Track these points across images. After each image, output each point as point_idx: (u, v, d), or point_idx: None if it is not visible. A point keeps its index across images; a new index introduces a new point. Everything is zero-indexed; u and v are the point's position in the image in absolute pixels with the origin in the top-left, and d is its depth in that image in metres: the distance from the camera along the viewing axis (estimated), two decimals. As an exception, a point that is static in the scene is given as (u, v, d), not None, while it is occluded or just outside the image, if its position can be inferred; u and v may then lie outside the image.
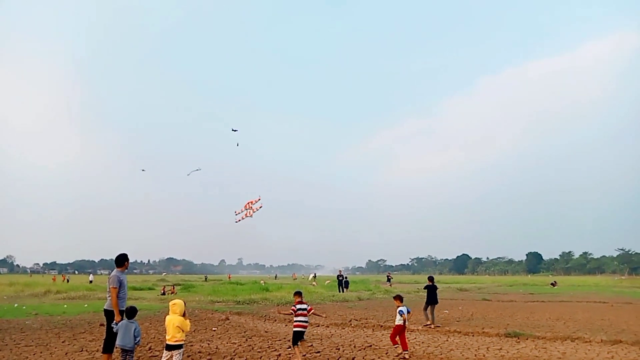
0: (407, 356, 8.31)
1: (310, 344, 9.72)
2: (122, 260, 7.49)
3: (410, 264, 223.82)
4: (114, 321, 7.03)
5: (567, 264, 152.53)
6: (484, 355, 8.44)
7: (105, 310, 7.30)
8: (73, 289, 28.74)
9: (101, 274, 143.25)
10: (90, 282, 44.88)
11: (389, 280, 46.71)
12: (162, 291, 30.66)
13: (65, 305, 18.92)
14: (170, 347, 6.17)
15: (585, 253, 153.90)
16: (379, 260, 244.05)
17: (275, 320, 14.60)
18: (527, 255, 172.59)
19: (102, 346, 7.36)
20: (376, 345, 9.55)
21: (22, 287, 30.70)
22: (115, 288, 7.12)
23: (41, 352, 8.65)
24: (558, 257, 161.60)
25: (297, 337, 7.88)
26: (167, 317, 6.37)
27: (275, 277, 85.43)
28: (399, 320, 8.63)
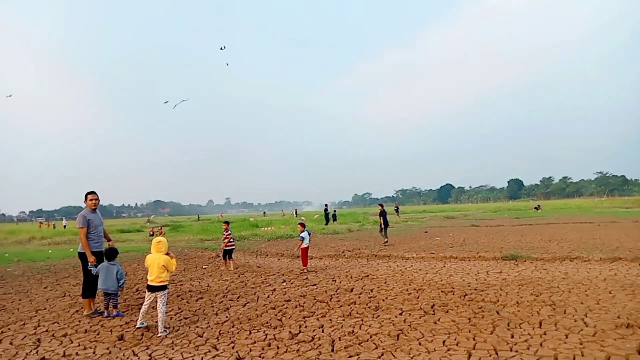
0: (306, 271, 10.21)
1: (305, 277, 9.43)
2: (85, 197, 6.73)
3: (395, 195, 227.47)
4: (89, 263, 6.45)
5: (547, 188, 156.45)
6: (485, 279, 8.18)
7: (79, 253, 6.69)
8: (58, 234, 28.19)
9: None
10: (64, 227, 44.35)
11: (397, 210, 41.66)
12: (151, 232, 30.36)
13: (50, 251, 18.39)
14: (153, 288, 5.59)
15: (564, 177, 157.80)
16: (364, 194, 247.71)
17: (267, 255, 14.32)
18: (508, 182, 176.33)
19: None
20: (373, 275, 9.24)
21: (6, 234, 30.00)
22: (82, 227, 6.44)
23: (20, 300, 8.13)
24: (538, 183, 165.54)
25: (227, 253, 11.40)
26: (149, 256, 5.73)
27: (264, 214, 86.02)
28: (305, 244, 10.56)
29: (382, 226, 16.38)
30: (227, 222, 12.42)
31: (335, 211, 34.37)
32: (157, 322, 5.57)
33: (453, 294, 6.97)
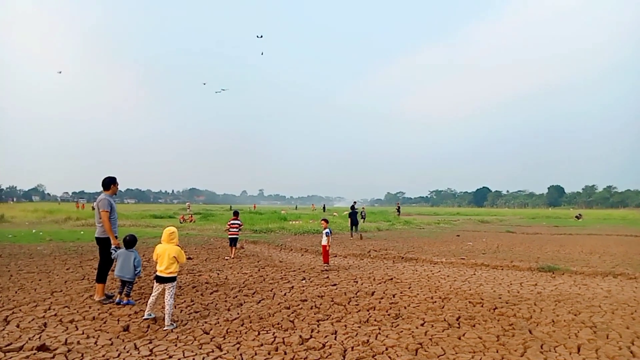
0: (327, 268, 10.02)
1: (326, 276, 9.09)
2: (108, 183, 6.70)
3: (429, 196, 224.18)
4: (112, 246, 6.39)
5: (590, 197, 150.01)
6: (518, 292, 7.58)
7: (97, 239, 6.62)
8: (93, 217, 28.95)
9: (127, 202, 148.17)
10: (93, 208, 45.36)
11: (398, 210, 46.82)
12: (181, 219, 30.75)
13: (82, 232, 18.83)
14: (162, 280, 5.40)
15: (609, 187, 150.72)
16: (397, 193, 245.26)
17: (292, 250, 14.06)
18: (548, 188, 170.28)
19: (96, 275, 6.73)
20: (397, 279, 8.78)
21: (45, 213, 31.17)
22: (107, 211, 6.38)
23: (40, 280, 8.16)
24: (580, 191, 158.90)
25: (232, 241, 12.01)
26: (160, 246, 5.56)
27: (296, 207, 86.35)
28: (324, 241, 10.32)
29: (350, 225, 18.72)
30: (236, 213, 13.18)
31: (363, 209, 33.88)
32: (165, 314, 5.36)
33: (482, 306, 6.45)
